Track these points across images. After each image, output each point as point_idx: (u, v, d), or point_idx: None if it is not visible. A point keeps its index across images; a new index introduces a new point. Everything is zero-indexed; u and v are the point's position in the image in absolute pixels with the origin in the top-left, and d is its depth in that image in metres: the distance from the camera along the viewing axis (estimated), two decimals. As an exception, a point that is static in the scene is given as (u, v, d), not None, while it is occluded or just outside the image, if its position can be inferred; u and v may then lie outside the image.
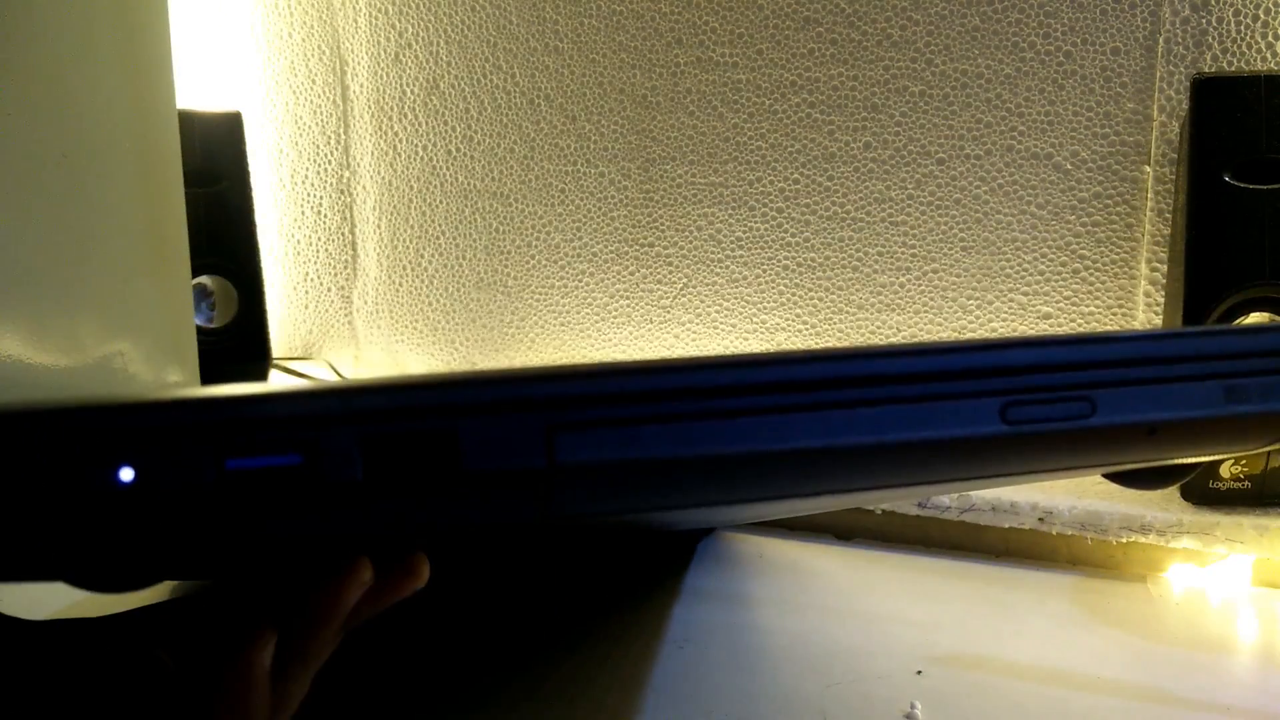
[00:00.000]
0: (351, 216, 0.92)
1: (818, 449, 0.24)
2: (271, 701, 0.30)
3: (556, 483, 0.23)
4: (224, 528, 0.22)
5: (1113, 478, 0.41)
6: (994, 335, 0.72)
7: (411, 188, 0.89)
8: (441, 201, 0.88)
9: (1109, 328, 0.69)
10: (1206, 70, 0.63)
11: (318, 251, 0.94)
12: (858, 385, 0.25)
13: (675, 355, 0.83)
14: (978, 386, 0.25)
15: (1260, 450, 0.30)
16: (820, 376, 0.24)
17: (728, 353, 0.68)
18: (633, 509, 0.28)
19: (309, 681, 0.31)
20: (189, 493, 0.21)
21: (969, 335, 0.73)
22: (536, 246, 0.85)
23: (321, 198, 0.93)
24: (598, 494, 0.24)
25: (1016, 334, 0.71)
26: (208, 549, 0.24)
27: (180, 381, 0.59)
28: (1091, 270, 0.69)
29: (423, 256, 0.90)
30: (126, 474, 0.20)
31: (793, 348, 0.79)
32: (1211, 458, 0.33)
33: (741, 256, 0.78)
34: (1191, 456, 0.32)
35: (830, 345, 0.75)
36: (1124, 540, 0.60)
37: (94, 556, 0.21)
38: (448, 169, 0.87)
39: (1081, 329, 0.70)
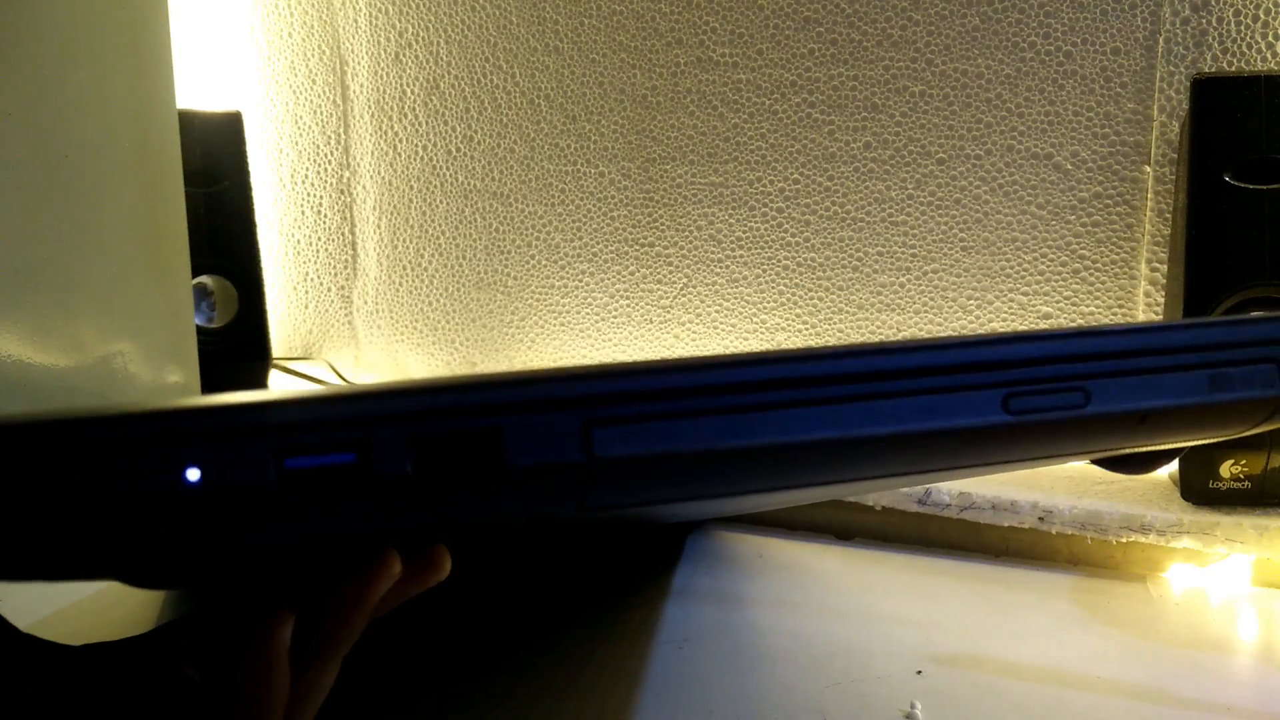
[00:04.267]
0: (351, 216, 0.92)
1: (838, 439, 0.26)
2: (301, 689, 0.31)
3: (595, 476, 0.24)
4: (282, 523, 0.23)
5: (1102, 463, 0.42)
6: (991, 331, 0.73)
7: (411, 188, 0.89)
8: (441, 201, 0.88)
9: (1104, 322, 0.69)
10: (1206, 70, 0.63)
11: (318, 251, 0.94)
12: (875, 379, 0.26)
13: (689, 355, 0.83)
14: (982, 379, 0.27)
15: (1243, 433, 0.32)
16: (840, 372, 0.26)
17: (752, 350, 0.68)
18: (664, 499, 0.29)
19: (336, 670, 0.33)
20: (252, 491, 0.22)
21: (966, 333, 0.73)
22: (536, 246, 0.85)
23: (321, 198, 0.93)
24: (632, 485, 0.26)
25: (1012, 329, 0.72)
26: (266, 544, 0.25)
27: (180, 382, 0.59)
28: (1091, 270, 0.69)
29: (423, 256, 0.90)
30: (193, 474, 0.21)
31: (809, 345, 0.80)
32: (1200, 442, 0.35)
33: (741, 256, 0.78)
34: (1180, 441, 0.33)
35: (842, 342, 0.75)
36: (1124, 540, 0.60)
37: (157, 555, 0.22)
38: (448, 169, 0.87)
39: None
